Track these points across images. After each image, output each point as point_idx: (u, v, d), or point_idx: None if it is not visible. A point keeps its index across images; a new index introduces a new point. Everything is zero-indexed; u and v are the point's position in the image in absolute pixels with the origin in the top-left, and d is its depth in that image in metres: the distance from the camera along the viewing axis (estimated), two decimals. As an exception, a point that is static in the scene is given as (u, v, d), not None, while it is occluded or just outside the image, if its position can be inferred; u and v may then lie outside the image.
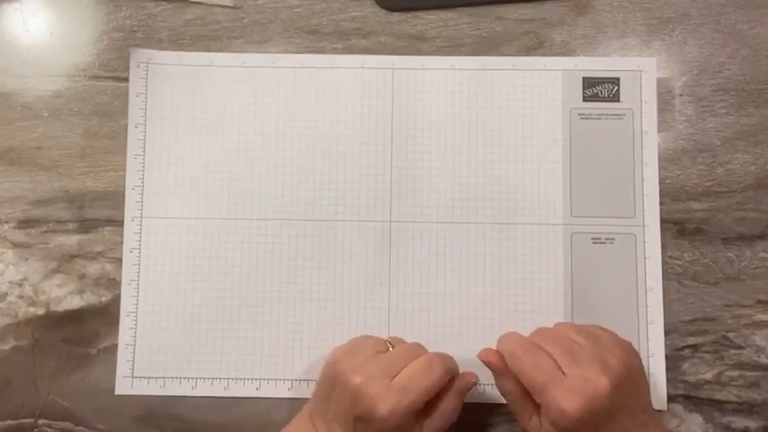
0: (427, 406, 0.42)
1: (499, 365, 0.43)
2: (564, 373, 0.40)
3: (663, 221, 0.50)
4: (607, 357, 0.40)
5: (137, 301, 0.50)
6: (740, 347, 0.49)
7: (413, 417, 0.41)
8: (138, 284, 0.51)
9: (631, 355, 0.42)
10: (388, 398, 0.40)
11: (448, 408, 0.43)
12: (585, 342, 0.41)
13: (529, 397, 0.42)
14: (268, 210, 0.51)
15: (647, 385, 0.43)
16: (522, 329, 0.50)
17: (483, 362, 0.44)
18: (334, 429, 0.42)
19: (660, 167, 0.51)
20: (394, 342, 0.45)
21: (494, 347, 0.44)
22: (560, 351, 0.41)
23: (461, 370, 0.45)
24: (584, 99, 0.51)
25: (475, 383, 0.45)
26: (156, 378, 0.50)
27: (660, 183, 0.50)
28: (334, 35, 0.53)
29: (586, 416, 0.38)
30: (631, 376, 0.40)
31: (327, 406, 0.42)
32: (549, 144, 0.51)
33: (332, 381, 0.42)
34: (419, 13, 0.53)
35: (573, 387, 0.39)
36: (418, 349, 0.44)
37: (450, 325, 0.50)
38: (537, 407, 0.41)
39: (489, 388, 0.49)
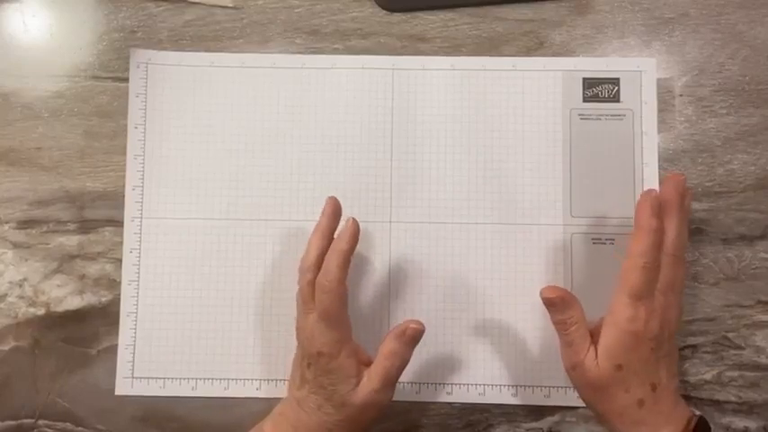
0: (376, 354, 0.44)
1: (572, 299, 0.43)
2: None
3: (663, 222, 0.50)
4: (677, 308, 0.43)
5: (137, 301, 0.50)
6: (740, 348, 0.49)
7: (352, 355, 0.43)
8: (138, 285, 0.51)
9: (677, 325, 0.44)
10: (314, 328, 0.43)
11: (384, 350, 0.44)
12: (667, 281, 0.43)
13: (587, 328, 0.43)
14: (268, 210, 0.51)
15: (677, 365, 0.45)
16: (522, 330, 0.50)
17: (550, 297, 0.43)
18: (296, 394, 0.45)
19: (660, 167, 0.51)
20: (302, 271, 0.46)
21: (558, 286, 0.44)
22: (666, 278, 0.42)
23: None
24: (585, 99, 0.51)
25: (419, 331, 0.44)
26: (156, 378, 0.50)
27: (660, 183, 0.50)
28: (334, 36, 0.53)
29: (649, 333, 0.41)
30: (674, 343, 0.44)
31: (292, 371, 0.46)
32: (549, 144, 0.51)
33: (296, 353, 0.47)
34: (419, 14, 0.53)
35: (655, 310, 0.42)
36: (306, 262, 0.45)
37: (451, 325, 0.50)
38: (593, 340, 0.43)
39: (489, 388, 0.49)
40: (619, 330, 0.42)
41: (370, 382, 0.44)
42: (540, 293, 0.44)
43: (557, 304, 0.43)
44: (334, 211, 0.46)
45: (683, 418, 0.42)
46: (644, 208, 0.42)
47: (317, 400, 0.44)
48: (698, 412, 0.43)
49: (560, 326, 0.44)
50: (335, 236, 0.45)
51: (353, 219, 0.44)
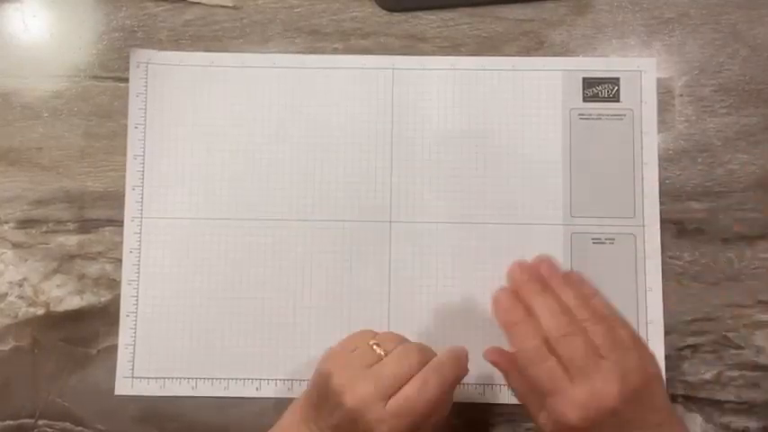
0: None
1: (506, 366, 0.43)
2: (572, 381, 0.39)
3: (663, 221, 0.50)
4: (623, 367, 0.39)
5: (137, 301, 0.50)
6: (740, 347, 0.49)
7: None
8: (138, 285, 0.51)
9: (648, 364, 0.40)
10: (385, 423, 0.39)
11: (440, 405, 0.42)
12: (603, 341, 0.40)
13: (537, 393, 0.41)
14: (268, 210, 0.51)
15: (665, 396, 0.41)
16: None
17: (490, 361, 0.44)
18: None
19: (660, 167, 0.51)
20: (385, 343, 0.42)
21: (499, 346, 0.44)
22: (571, 354, 0.39)
23: (468, 372, 0.45)
24: (585, 99, 0.51)
25: (465, 375, 0.43)
26: (156, 378, 0.50)
27: (660, 183, 0.50)
28: (334, 35, 0.53)
29: (589, 426, 0.38)
30: (646, 390, 0.39)
31: (320, 415, 0.41)
32: (549, 144, 0.51)
33: (324, 393, 0.40)
34: (419, 14, 0.53)
35: (578, 399, 0.38)
36: (411, 357, 0.41)
37: (451, 325, 0.50)
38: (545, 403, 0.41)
39: (489, 388, 0.49)
40: (556, 426, 0.40)
41: None
42: (483, 355, 0.44)
43: (499, 368, 0.44)
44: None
45: None
46: (496, 309, 0.43)
47: None
48: None
49: (508, 385, 0.44)
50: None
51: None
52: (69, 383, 0.50)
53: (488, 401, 0.49)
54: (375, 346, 0.41)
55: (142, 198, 0.51)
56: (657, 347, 0.49)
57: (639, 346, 0.41)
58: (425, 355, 0.41)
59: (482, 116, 0.52)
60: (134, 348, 0.50)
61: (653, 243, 0.50)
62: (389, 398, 0.39)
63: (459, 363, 0.42)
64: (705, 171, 0.51)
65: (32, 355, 0.50)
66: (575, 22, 0.52)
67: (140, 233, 0.51)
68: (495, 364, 0.43)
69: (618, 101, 0.51)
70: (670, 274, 0.50)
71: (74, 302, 0.51)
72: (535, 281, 0.44)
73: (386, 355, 0.41)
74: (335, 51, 0.52)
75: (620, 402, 0.38)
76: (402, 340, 0.43)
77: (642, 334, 0.49)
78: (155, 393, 0.50)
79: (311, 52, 0.52)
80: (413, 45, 0.52)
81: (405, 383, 0.39)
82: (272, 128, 0.52)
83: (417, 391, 0.39)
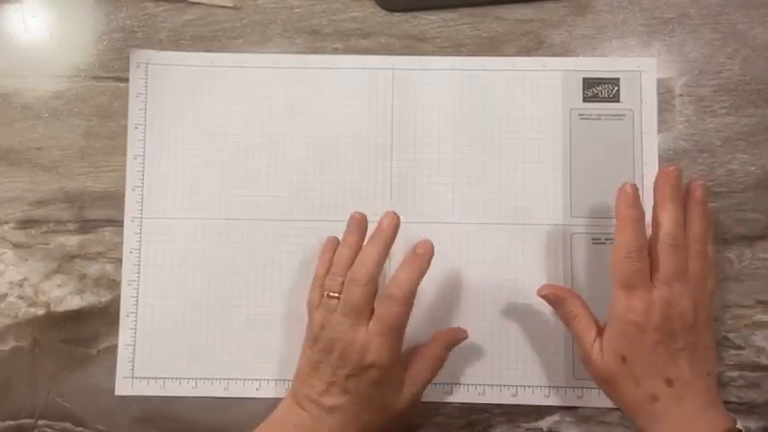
0: (412, 355, 0.45)
1: (567, 294, 0.45)
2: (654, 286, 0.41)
3: (663, 222, 0.50)
4: (697, 298, 0.42)
5: (137, 301, 0.50)
6: (740, 348, 0.49)
7: (402, 363, 0.44)
8: (138, 285, 0.51)
9: (710, 317, 0.43)
10: (372, 342, 0.42)
11: (429, 353, 0.45)
12: (694, 270, 0.42)
13: (592, 320, 0.44)
14: (268, 210, 0.51)
15: (714, 353, 0.44)
16: (522, 330, 0.50)
17: (543, 295, 0.45)
18: (325, 401, 0.43)
19: (660, 167, 0.51)
20: (332, 286, 0.45)
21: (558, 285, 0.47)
22: (667, 262, 0.41)
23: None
24: (585, 99, 0.51)
25: (463, 338, 0.48)
26: (156, 378, 0.50)
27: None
28: (334, 35, 0.53)
29: (646, 329, 0.41)
30: (705, 331, 0.42)
31: (313, 383, 0.44)
32: (549, 144, 0.51)
33: (315, 358, 0.44)
34: (419, 14, 0.53)
35: (654, 297, 0.41)
36: (358, 274, 0.43)
37: (450, 325, 0.50)
38: (600, 331, 0.43)
39: (489, 388, 0.49)
40: (618, 321, 0.42)
41: (413, 386, 0.45)
42: (537, 292, 0.45)
43: (551, 301, 0.45)
44: (361, 224, 0.47)
45: (716, 427, 0.40)
46: (620, 201, 0.42)
47: (356, 411, 0.43)
48: (741, 426, 0.41)
49: (564, 320, 0.45)
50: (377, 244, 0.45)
51: (394, 213, 0.45)
52: (69, 383, 0.50)
53: (488, 401, 0.49)
54: (330, 293, 0.44)
55: (142, 198, 0.51)
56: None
57: (712, 300, 0.44)
58: (370, 268, 0.43)
59: (482, 116, 0.52)
60: (134, 348, 0.50)
61: (653, 243, 0.50)
62: (367, 320, 0.43)
63: (417, 264, 0.44)
64: (705, 171, 0.51)
65: (32, 355, 0.50)
66: (575, 22, 0.52)
67: (140, 233, 0.51)
68: (556, 295, 0.45)
69: (618, 101, 0.51)
70: (670, 275, 0.50)
71: (74, 303, 0.51)
72: (680, 192, 0.43)
73: (339, 293, 0.44)
74: (336, 51, 0.52)
75: (682, 322, 0.41)
76: (342, 268, 0.45)
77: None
78: (155, 393, 0.50)
79: (311, 52, 0.52)
80: (413, 45, 0.52)
81: (367, 301, 0.43)
82: (271, 128, 0.52)
83: (390, 304, 0.42)
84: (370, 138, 0.52)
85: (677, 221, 0.42)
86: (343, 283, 0.44)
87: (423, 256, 0.44)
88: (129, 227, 0.51)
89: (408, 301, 0.43)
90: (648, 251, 0.42)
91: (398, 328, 0.43)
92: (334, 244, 0.47)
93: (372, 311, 0.43)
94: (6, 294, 0.51)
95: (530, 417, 0.49)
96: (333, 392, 0.43)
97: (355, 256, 0.44)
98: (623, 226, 0.42)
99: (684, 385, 0.41)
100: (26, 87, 0.52)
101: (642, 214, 0.42)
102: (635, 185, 0.42)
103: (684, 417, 0.41)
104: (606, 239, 0.50)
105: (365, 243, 0.45)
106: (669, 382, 0.41)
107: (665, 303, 0.41)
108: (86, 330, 0.51)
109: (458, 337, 0.48)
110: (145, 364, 0.50)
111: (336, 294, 0.44)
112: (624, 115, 0.51)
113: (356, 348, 0.42)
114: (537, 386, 0.49)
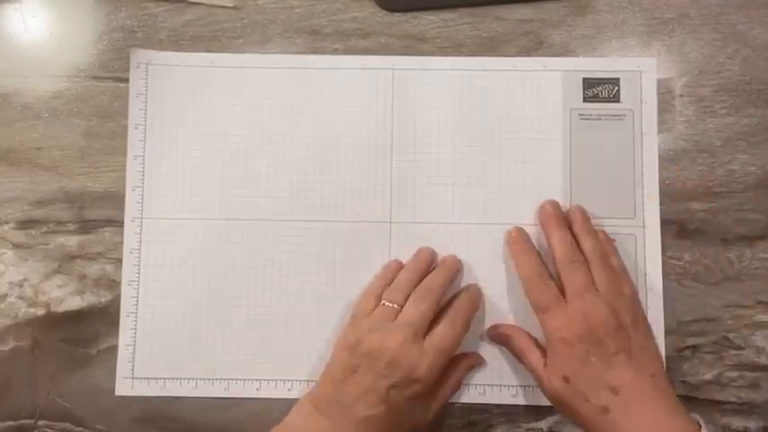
0: (442, 375, 0.46)
1: (511, 330, 0.48)
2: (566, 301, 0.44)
3: (663, 222, 0.50)
4: (615, 303, 0.44)
5: (137, 301, 0.50)
6: (740, 348, 0.49)
7: (438, 380, 0.45)
8: (138, 285, 0.51)
9: (640, 314, 0.45)
10: (425, 359, 0.43)
11: (455, 377, 0.47)
12: (602, 283, 0.44)
13: (539, 350, 0.46)
14: (268, 210, 0.51)
15: (657, 354, 0.45)
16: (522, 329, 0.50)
17: (496, 335, 0.48)
18: (357, 409, 0.43)
19: (660, 168, 0.51)
20: (393, 296, 0.46)
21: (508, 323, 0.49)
22: (571, 279, 0.44)
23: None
24: (585, 99, 0.51)
25: (480, 365, 0.49)
26: (157, 379, 0.50)
27: (660, 183, 0.50)
28: (334, 36, 0.53)
29: (576, 342, 0.42)
30: (635, 330, 0.43)
31: (346, 389, 0.44)
32: (549, 144, 0.51)
33: (354, 362, 0.44)
34: (419, 14, 0.53)
35: (570, 312, 0.43)
36: (426, 298, 0.45)
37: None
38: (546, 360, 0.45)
39: (489, 388, 0.49)
40: (550, 345, 0.44)
41: (438, 403, 0.46)
42: (486, 334, 0.49)
43: (499, 340, 0.49)
44: (430, 256, 0.49)
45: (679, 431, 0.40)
46: (508, 242, 0.49)
47: (387, 423, 0.43)
48: (704, 428, 0.40)
49: (515, 356, 0.48)
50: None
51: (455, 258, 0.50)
52: (69, 384, 0.50)
53: (488, 402, 0.49)
54: (386, 303, 0.46)
55: (142, 198, 0.51)
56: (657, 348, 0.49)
57: (634, 302, 0.45)
58: (436, 292, 0.46)
59: (482, 116, 0.52)
60: (134, 349, 0.50)
61: (653, 243, 0.50)
62: (423, 338, 0.44)
63: (474, 301, 0.48)
64: (705, 171, 0.51)
65: (32, 355, 0.50)
66: (575, 22, 0.52)
67: (140, 233, 0.51)
68: (492, 336, 0.49)
69: (618, 101, 0.51)
70: (670, 275, 0.50)
71: (74, 303, 0.51)
72: (561, 218, 0.48)
73: (399, 306, 0.45)
74: (336, 52, 0.52)
75: (605, 328, 0.42)
76: (405, 286, 0.46)
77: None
78: (155, 394, 0.50)
79: (311, 53, 0.52)
80: (413, 45, 0.52)
81: (427, 322, 0.45)
82: (272, 128, 0.52)
83: (450, 328, 0.45)
84: (370, 138, 0.52)
85: (566, 241, 0.46)
86: (405, 297, 0.45)
87: (479, 292, 0.49)
88: (130, 227, 0.51)
89: (467, 328, 0.46)
90: (557, 279, 0.46)
91: (452, 351, 0.45)
92: (398, 266, 0.49)
93: (427, 330, 0.45)
94: (6, 295, 0.51)
95: (530, 417, 0.50)
96: (369, 401, 0.43)
97: (418, 281, 0.47)
98: (518, 261, 0.48)
99: (631, 390, 0.41)
100: (26, 87, 0.52)
101: (532, 246, 0.48)
102: (519, 229, 0.49)
103: (643, 425, 0.41)
104: (606, 239, 0.50)
105: (435, 269, 0.48)
106: (614, 390, 0.41)
107: (581, 314, 0.43)
108: (86, 330, 0.51)
109: (478, 363, 0.49)
110: (145, 365, 0.50)
111: (394, 305, 0.45)
112: (624, 115, 0.51)
113: (408, 360, 0.43)
114: (537, 386, 0.49)
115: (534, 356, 0.46)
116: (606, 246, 0.48)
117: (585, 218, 0.48)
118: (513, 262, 0.48)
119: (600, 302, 0.43)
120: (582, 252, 0.46)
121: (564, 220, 0.48)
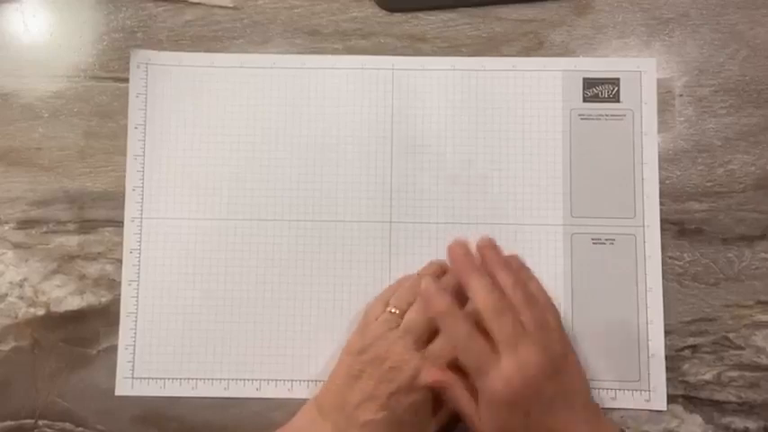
0: (439, 398, 0.44)
1: (447, 379, 0.43)
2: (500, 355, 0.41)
3: (663, 222, 0.50)
4: (545, 343, 0.41)
5: (137, 301, 0.50)
6: (740, 348, 0.49)
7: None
8: (138, 285, 0.51)
9: (569, 348, 0.44)
10: (427, 367, 0.43)
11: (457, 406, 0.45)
12: (530, 321, 0.41)
13: (473, 401, 0.42)
14: (268, 210, 0.51)
15: (586, 383, 0.45)
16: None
17: (434, 383, 0.44)
18: (359, 415, 0.43)
19: (660, 168, 0.51)
20: (399, 303, 0.46)
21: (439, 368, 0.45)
22: (500, 330, 0.41)
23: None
24: (585, 99, 0.51)
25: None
26: (157, 379, 0.50)
27: (660, 183, 0.50)
28: (334, 36, 0.53)
29: (517, 399, 0.40)
30: (567, 370, 0.42)
31: (349, 394, 0.43)
32: (549, 144, 0.51)
33: (358, 368, 0.44)
34: (419, 14, 0.53)
35: (504, 370, 0.40)
36: (429, 304, 0.43)
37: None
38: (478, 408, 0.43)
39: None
40: (488, 404, 0.41)
41: (438, 420, 0.45)
42: (423, 382, 0.44)
43: (437, 389, 0.44)
44: (440, 268, 0.49)
45: None
46: (427, 308, 0.44)
47: (390, 430, 0.43)
48: None
49: (451, 403, 0.44)
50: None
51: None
52: (69, 384, 0.50)
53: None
54: (393, 310, 0.46)
55: (142, 198, 0.51)
56: (657, 348, 0.49)
57: (561, 331, 0.44)
58: (439, 301, 0.43)
59: (482, 116, 0.52)
60: (134, 349, 0.50)
61: (653, 243, 0.50)
62: (425, 346, 0.44)
63: None
64: (705, 171, 0.51)
65: (32, 355, 0.50)
66: (575, 23, 0.52)
67: (140, 233, 0.51)
68: (434, 382, 0.43)
69: (618, 101, 0.51)
70: (670, 275, 0.50)
71: (74, 303, 0.51)
72: (473, 260, 0.44)
73: (403, 312, 0.45)
74: (335, 52, 0.52)
75: (543, 376, 0.40)
76: (410, 293, 0.46)
77: (642, 334, 0.49)
78: (155, 394, 0.50)
79: (311, 53, 0.52)
80: (413, 45, 0.52)
81: (430, 329, 0.44)
82: (272, 128, 0.52)
83: (446, 336, 0.43)
84: (370, 138, 0.52)
85: (485, 287, 0.42)
86: (409, 304, 0.45)
87: None
88: (129, 227, 0.51)
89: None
90: (482, 325, 0.41)
91: (456, 361, 0.43)
92: (413, 279, 0.48)
93: (430, 338, 0.44)
94: (6, 294, 0.51)
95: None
96: (370, 407, 0.43)
97: None
98: (442, 326, 0.43)
99: (568, 427, 0.41)
100: (26, 87, 0.52)
101: (450, 298, 0.42)
102: (427, 277, 0.44)
103: None
104: (606, 239, 0.50)
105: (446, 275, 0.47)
106: None
107: (518, 369, 0.40)
108: (86, 330, 0.51)
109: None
110: (145, 365, 0.50)
111: (399, 311, 0.45)
112: (624, 115, 0.51)
113: (410, 367, 0.43)
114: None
115: (469, 404, 0.43)
116: (522, 274, 0.46)
117: (496, 251, 0.45)
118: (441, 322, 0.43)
119: (532, 348, 0.40)
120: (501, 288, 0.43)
121: (475, 260, 0.44)
